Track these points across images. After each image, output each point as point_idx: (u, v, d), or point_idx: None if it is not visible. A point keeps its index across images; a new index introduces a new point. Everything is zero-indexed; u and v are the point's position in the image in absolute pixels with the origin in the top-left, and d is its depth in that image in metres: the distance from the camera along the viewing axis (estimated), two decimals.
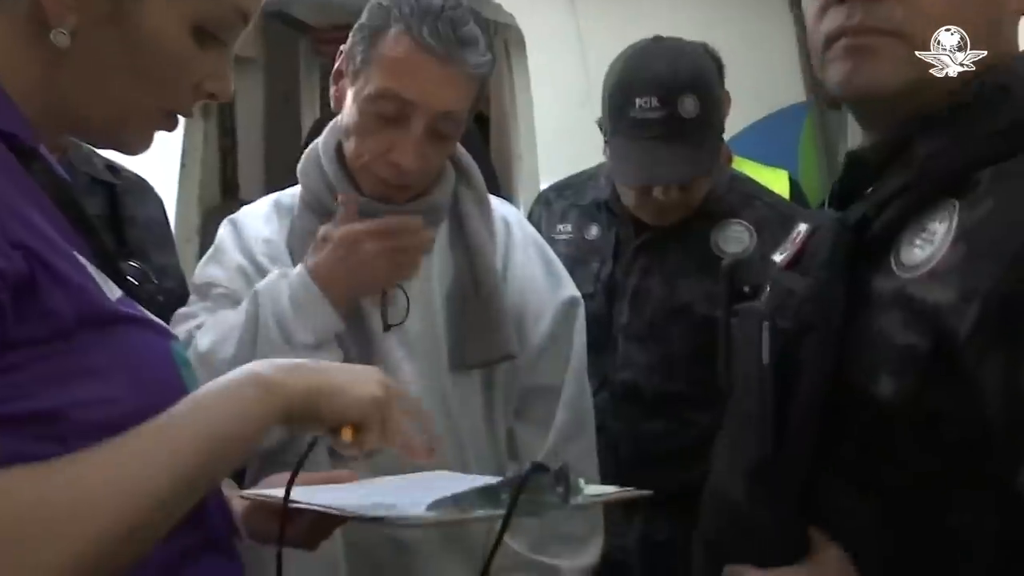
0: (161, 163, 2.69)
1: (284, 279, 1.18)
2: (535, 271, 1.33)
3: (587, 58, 2.73)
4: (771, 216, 1.55)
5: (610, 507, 1.62)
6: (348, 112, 1.22)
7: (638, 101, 1.51)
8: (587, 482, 0.88)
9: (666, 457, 1.54)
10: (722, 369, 0.96)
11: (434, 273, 1.27)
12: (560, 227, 1.71)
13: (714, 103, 1.54)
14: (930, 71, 0.77)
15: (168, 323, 1.43)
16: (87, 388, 0.62)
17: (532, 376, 1.31)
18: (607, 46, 2.78)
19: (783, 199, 1.71)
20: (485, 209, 1.32)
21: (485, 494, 0.87)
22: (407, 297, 1.24)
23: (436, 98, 1.15)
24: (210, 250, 1.34)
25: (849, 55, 0.80)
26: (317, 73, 5.54)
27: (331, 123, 1.30)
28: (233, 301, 1.25)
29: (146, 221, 1.47)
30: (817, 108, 2.48)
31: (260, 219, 1.31)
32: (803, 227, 0.92)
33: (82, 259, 0.67)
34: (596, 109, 2.82)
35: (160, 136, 2.83)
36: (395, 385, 0.83)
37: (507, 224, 1.35)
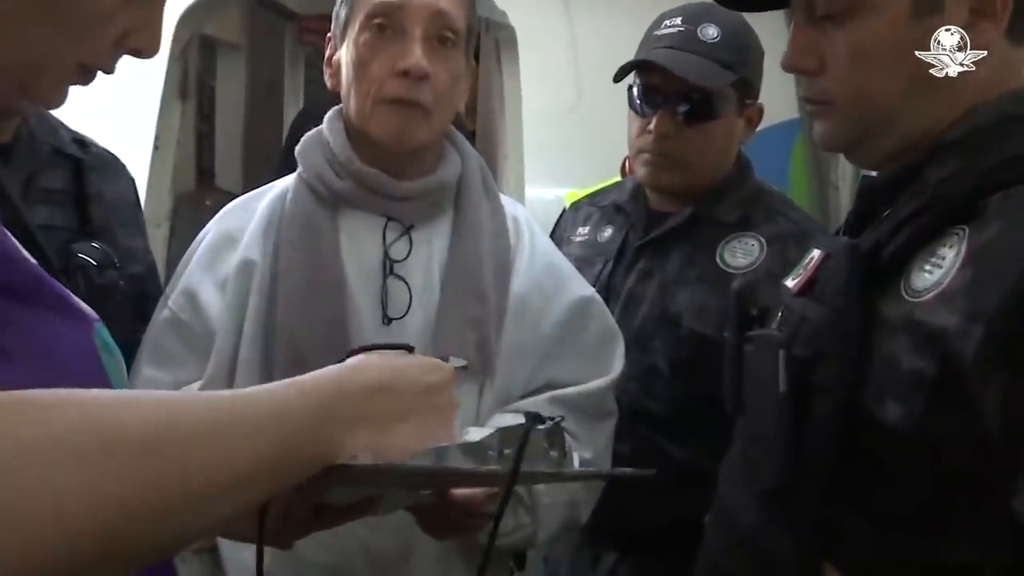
0: (134, 143, 2.61)
1: None
2: (541, 272, 1.27)
3: (580, 61, 2.69)
4: (789, 230, 1.48)
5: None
6: (347, 62, 1.19)
7: (665, 22, 1.51)
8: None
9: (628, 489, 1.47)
10: (729, 393, 0.95)
11: (435, 264, 1.21)
12: (580, 230, 1.67)
13: (740, 43, 1.48)
14: (870, 131, 0.88)
15: (129, 310, 1.38)
16: None
17: (538, 374, 1.24)
18: (600, 48, 2.76)
19: (808, 215, 1.62)
20: (495, 204, 1.27)
21: (470, 450, 0.78)
22: (409, 288, 1.18)
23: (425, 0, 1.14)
24: (205, 246, 1.24)
25: (810, 117, 0.94)
26: (302, 62, 5.46)
27: (332, 109, 1.25)
28: (201, 342, 1.17)
29: (114, 200, 1.38)
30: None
31: (251, 231, 1.21)
32: (816, 253, 0.92)
33: None
34: (586, 112, 2.80)
35: (134, 116, 2.72)
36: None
37: (516, 223, 1.29)
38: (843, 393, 0.79)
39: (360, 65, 1.16)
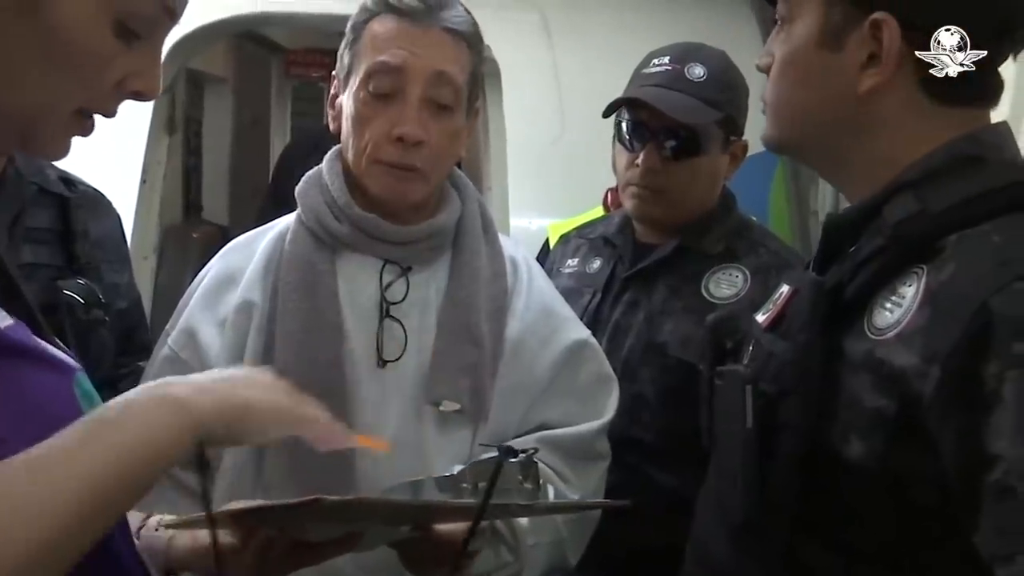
0: (122, 178, 2.63)
1: None
2: (537, 316, 1.25)
3: (562, 93, 2.72)
4: (771, 262, 1.51)
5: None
6: (346, 114, 1.18)
7: (653, 61, 1.53)
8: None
9: (616, 516, 1.38)
10: (704, 427, 0.95)
11: (432, 305, 1.20)
12: (569, 261, 1.69)
13: (725, 82, 1.52)
14: (793, 142, 0.91)
15: (113, 345, 1.39)
16: None
17: (531, 417, 1.23)
18: (583, 82, 2.79)
19: (787, 247, 1.65)
20: (494, 246, 1.27)
21: (444, 483, 0.80)
22: (405, 331, 1.17)
23: (425, 59, 1.14)
24: (206, 285, 1.23)
25: None
26: (288, 96, 5.51)
27: (332, 150, 1.25)
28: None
29: (100, 237, 1.41)
30: None
31: (251, 271, 1.21)
32: (785, 288, 0.93)
33: None
34: (569, 144, 2.83)
35: (122, 149, 2.72)
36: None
37: (515, 264, 1.28)
38: (806, 430, 0.80)
39: (358, 122, 1.16)
